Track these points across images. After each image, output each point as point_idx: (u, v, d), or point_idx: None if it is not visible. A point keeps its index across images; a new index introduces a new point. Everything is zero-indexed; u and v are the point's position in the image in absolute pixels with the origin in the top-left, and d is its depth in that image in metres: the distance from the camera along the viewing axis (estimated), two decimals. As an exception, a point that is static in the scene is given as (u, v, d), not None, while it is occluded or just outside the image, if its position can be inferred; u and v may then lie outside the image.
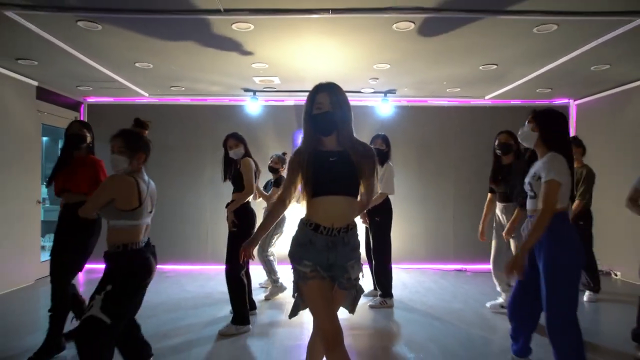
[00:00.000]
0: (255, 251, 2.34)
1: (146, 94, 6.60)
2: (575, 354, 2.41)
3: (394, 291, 4.89)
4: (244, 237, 3.79)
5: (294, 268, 2.09)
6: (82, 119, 6.86)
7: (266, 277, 5.52)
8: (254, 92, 6.37)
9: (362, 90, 6.29)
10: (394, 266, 6.55)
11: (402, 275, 6.23)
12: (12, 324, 4.07)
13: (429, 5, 3.38)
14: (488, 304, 4.49)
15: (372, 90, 6.32)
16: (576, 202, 4.74)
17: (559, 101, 6.96)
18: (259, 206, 5.03)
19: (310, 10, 3.46)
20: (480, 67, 5.06)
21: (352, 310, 2.19)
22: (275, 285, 5.01)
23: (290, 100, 6.90)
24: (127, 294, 2.38)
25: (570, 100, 6.97)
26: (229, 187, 4.12)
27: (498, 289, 4.43)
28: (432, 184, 6.99)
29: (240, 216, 3.88)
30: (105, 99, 6.83)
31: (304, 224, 2.11)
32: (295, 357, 3.28)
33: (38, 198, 5.88)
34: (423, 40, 4.13)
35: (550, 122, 2.59)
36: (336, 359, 1.99)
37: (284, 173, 5.27)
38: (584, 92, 6.39)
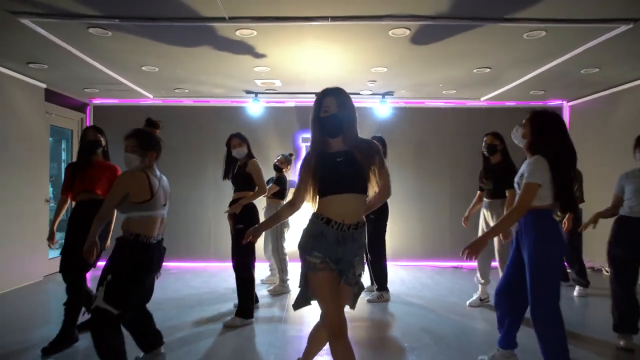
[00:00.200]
0: (262, 240, 2.52)
1: (150, 96, 6.78)
2: (558, 342, 2.57)
3: (391, 287, 5.08)
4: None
5: (303, 259, 2.19)
6: (87, 119, 7.04)
7: (267, 274, 5.72)
8: (256, 94, 6.55)
9: (360, 92, 6.47)
10: (392, 263, 6.75)
11: (399, 272, 6.42)
12: (24, 317, 4.26)
13: (423, 13, 3.56)
14: (467, 303, 4.64)
15: (371, 92, 6.50)
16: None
17: (553, 102, 7.15)
18: (259, 206, 5.20)
19: (311, 18, 3.64)
20: (475, 70, 5.24)
21: (353, 305, 2.31)
22: (282, 284, 5.18)
23: (291, 102, 7.08)
24: (126, 283, 2.52)
25: (563, 102, 7.16)
26: (231, 186, 4.29)
27: (476, 280, 4.59)
28: (429, 183, 7.16)
29: (246, 213, 4.05)
30: (111, 100, 7.01)
31: (315, 217, 2.20)
32: (296, 347, 3.46)
33: (46, 197, 6.06)
34: (417, 44, 4.31)
35: (540, 128, 2.68)
36: (340, 348, 2.13)
37: (287, 173, 5.48)
38: (576, 93, 6.58)
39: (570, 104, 7.11)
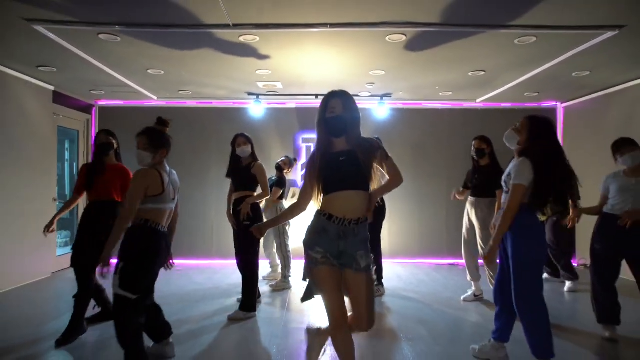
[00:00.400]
0: (261, 242, 2.65)
1: (155, 97, 6.95)
2: (542, 329, 2.75)
3: (388, 283, 5.27)
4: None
5: (306, 254, 2.33)
6: (93, 120, 7.22)
7: (269, 271, 5.89)
8: (258, 95, 6.72)
9: (359, 94, 6.64)
10: (390, 261, 6.95)
11: (397, 269, 6.59)
12: (35, 312, 4.43)
13: (418, 20, 3.74)
14: (462, 298, 4.83)
15: (369, 94, 6.68)
16: (571, 207, 5.16)
17: (547, 104, 7.32)
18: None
19: (311, 25, 3.82)
20: (470, 74, 5.42)
21: (370, 297, 2.31)
22: (283, 280, 5.36)
23: (291, 103, 7.26)
24: (138, 268, 2.68)
25: (557, 103, 7.33)
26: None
27: (468, 278, 4.80)
28: (426, 183, 7.33)
29: (252, 212, 4.23)
30: (116, 102, 7.18)
31: (319, 213, 2.33)
32: (297, 338, 3.64)
33: (54, 196, 6.23)
34: (413, 49, 4.48)
35: (537, 132, 2.84)
36: (340, 338, 2.30)
37: (287, 175, 5.67)
38: (570, 95, 6.75)
39: (564, 105, 7.28)
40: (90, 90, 6.36)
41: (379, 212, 5.03)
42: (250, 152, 4.37)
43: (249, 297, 4.16)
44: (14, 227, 5.32)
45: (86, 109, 7.08)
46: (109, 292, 3.96)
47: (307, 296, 2.42)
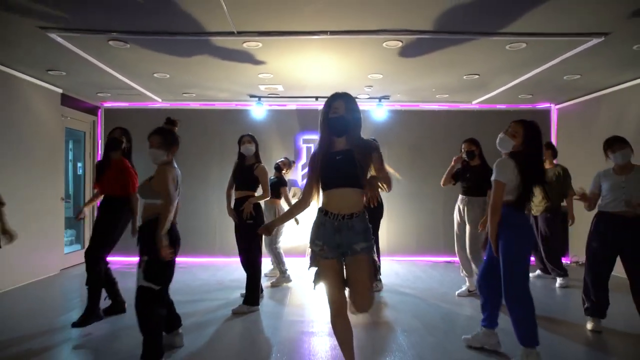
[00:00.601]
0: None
1: (159, 99, 7.14)
2: (528, 320, 2.93)
3: (386, 279, 5.47)
4: (256, 229, 4.40)
5: (310, 247, 2.54)
6: (99, 122, 7.41)
7: (270, 267, 6.09)
8: (259, 97, 6.92)
9: (358, 96, 6.83)
10: (388, 258, 7.15)
11: (395, 266, 6.79)
12: (47, 305, 4.64)
13: (413, 28, 3.93)
14: (456, 293, 5.02)
15: (368, 96, 6.87)
16: (568, 199, 5.38)
17: (541, 105, 7.52)
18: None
19: (312, 32, 4.01)
20: (464, 77, 5.61)
21: (367, 282, 2.43)
22: (283, 276, 5.55)
23: (292, 105, 7.45)
24: (160, 259, 2.86)
25: (551, 105, 7.53)
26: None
27: (462, 274, 4.99)
28: (424, 183, 7.50)
29: (256, 212, 4.44)
30: (121, 103, 7.37)
31: (319, 210, 2.50)
32: (297, 330, 3.83)
33: (62, 195, 6.43)
34: (409, 54, 4.68)
35: (531, 136, 3.03)
36: (339, 323, 2.47)
37: (285, 175, 5.87)
38: (562, 97, 6.95)
39: (557, 106, 7.48)
40: (97, 92, 6.55)
41: (377, 211, 5.23)
42: (254, 151, 4.56)
43: (253, 292, 4.36)
44: (23, 225, 5.47)
45: (92, 110, 7.27)
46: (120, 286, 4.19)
47: (316, 281, 2.58)
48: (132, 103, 7.36)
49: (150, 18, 3.71)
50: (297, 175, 7.46)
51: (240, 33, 4.01)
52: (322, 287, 2.54)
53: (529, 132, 3.04)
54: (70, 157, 7.48)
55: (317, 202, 2.56)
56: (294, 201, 6.85)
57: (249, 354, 3.31)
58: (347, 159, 2.43)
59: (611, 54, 4.61)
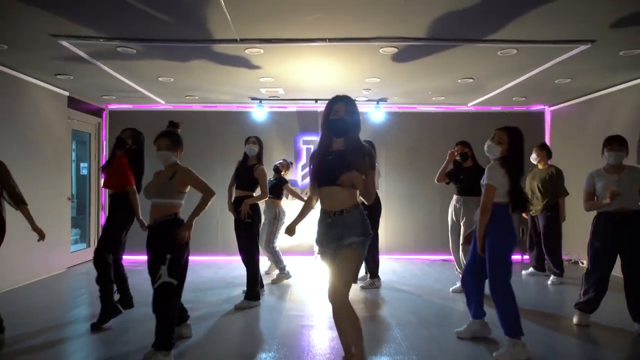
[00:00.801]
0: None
1: (162, 102, 7.33)
2: (510, 308, 3.15)
3: (384, 277, 5.66)
4: (254, 228, 4.59)
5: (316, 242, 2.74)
6: (104, 123, 7.60)
7: (268, 265, 6.27)
8: (260, 100, 7.10)
9: (356, 99, 7.00)
10: (386, 256, 7.34)
11: (392, 265, 6.98)
12: (55, 301, 4.83)
13: (407, 35, 4.12)
14: (450, 289, 5.22)
15: (366, 99, 7.06)
16: (560, 199, 5.56)
17: (535, 107, 7.71)
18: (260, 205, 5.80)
19: (311, 40, 4.20)
20: (459, 81, 5.80)
21: (340, 274, 2.52)
22: (282, 273, 5.75)
23: (292, 107, 7.63)
24: (181, 257, 3.13)
25: (545, 107, 7.71)
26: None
27: (456, 272, 5.19)
28: (421, 183, 7.67)
29: (253, 211, 4.63)
30: (125, 105, 7.56)
31: (320, 207, 2.69)
32: (297, 324, 4.02)
33: (68, 195, 6.61)
34: (405, 59, 4.86)
35: (516, 142, 3.26)
36: (335, 310, 2.58)
37: (284, 176, 6.06)
38: (556, 99, 7.13)
39: (551, 108, 7.66)
40: (102, 95, 6.74)
41: (375, 210, 5.41)
42: (257, 152, 4.75)
43: (253, 288, 4.55)
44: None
45: (97, 112, 7.46)
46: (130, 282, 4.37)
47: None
48: (136, 105, 7.55)
49: (159, 27, 3.89)
50: (297, 175, 7.65)
51: (242, 40, 4.20)
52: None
53: (514, 138, 3.26)
54: (74, 157, 7.67)
55: (315, 199, 2.74)
56: (293, 200, 7.05)
57: (251, 345, 3.50)
58: (338, 159, 2.56)
59: (599, 60, 4.80)
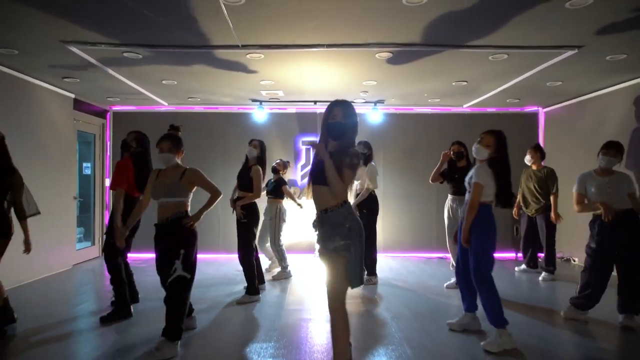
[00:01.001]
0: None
1: (165, 103, 7.51)
2: (495, 303, 3.36)
3: (381, 273, 5.84)
4: (250, 228, 4.76)
5: None
6: (108, 124, 7.78)
7: (269, 263, 6.46)
8: (261, 102, 7.29)
9: (354, 101, 7.19)
10: (383, 254, 7.52)
11: (390, 262, 7.16)
12: (63, 296, 5.03)
13: (401, 41, 4.30)
14: (445, 285, 5.41)
15: (363, 101, 7.24)
16: (552, 197, 5.74)
17: (529, 109, 7.89)
18: (261, 206, 5.97)
19: (310, 45, 4.39)
20: (453, 83, 5.98)
21: (328, 280, 2.62)
22: (284, 271, 5.94)
23: (292, 109, 7.82)
24: (193, 252, 3.33)
25: (539, 108, 7.90)
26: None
27: (452, 268, 5.38)
28: (418, 183, 7.85)
29: (249, 212, 4.81)
30: (129, 107, 7.74)
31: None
32: (297, 317, 4.20)
33: (74, 194, 6.79)
34: (400, 64, 5.05)
35: (502, 145, 3.48)
36: (329, 311, 2.73)
37: (283, 176, 6.25)
38: (549, 101, 7.32)
39: (545, 110, 7.84)
40: (107, 97, 6.92)
41: (373, 209, 5.60)
42: (256, 155, 4.91)
43: (251, 283, 4.74)
44: (39, 222, 5.81)
45: (101, 114, 7.64)
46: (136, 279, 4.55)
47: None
48: (139, 107, 7.73)
49: (164, 33, 4.07)
50: (297, 175, 7.83)
51: (244, 46, 4.38)
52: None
53: (499, 141, 3.47)
54: (77, 157, 7.84)
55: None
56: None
57: (253, 336, 3.69)
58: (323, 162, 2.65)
59: (587, 64, 4.99)
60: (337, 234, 2.60)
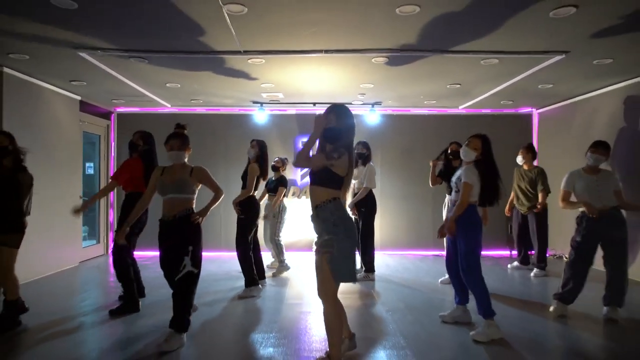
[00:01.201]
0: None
1: (168, 105, 7.71)
2: (483, 295, 3.57)
3: (378, 270, 6.05)
4: (248, 225, 4.95)
5: None
6: (112, 126, 7.98)
7: (272, 260, 6.67)
8: (261, 103, 7.49)
9: (352, 102, 7.40)
10: (381, 252, 7.72)
11: (387, 259, 7.36)
12: (72, 292, 5.23)
13: (396, 47, 4.50)
14: (439, 280, 5.62)
15: (361, 102, 7.44)
16: (540, 195, 5.94)
17: (524, 110, 8.09)
18: (262, 203, 6.19)
19: (309, 51, 4.59)
20: (447, 86, 6.19)
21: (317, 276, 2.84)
22: (281, 265, 6.15)
23: (292, 110, 8.02)
24: (200, 248, 3.52)
25: (533, 109, 8.09)
26: (239, 184, 5.21)
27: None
28: (415, 183, 8.05)
29: (246, 208, 5.00)
30: (133, 108, 7.94)
31: None
32: (297, 310, 4.40)
33: (80, 194, 6.99)
34: (396, 68, 5.26)
35: (488, 148, 3.70)
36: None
37: (284, 173, 6.45)
38: (542, 102, 7.51)
39: (539, 111, 8.04)
40: (112, 99, 7.12)
41: (371, 208, 5.79)
42: (254, 154, 5.10)
43: (248, 276, 4.94)
44: (46, 221, 6.04)
45: (106, 115, 7.84)
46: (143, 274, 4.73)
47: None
48: (143, 108, 7.93)
49: (170, 40, 4.27)
50: (297, 175, 8.03)
51: (246, 52, 4.59)
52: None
53: (486, 144, 3.69)
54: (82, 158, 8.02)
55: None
56: (293, 199, 7.47)
57: (254, 327, 3.88)
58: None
59: (575, 68, 5.19)
60: (324, 229, 2.79)
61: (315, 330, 3.84)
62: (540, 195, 5.98)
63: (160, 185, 3.56)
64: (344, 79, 5.79)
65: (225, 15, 3.65)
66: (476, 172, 3.63)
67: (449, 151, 5.42)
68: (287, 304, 4.63)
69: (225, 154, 7.97)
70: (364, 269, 5.82)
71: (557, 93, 6.61)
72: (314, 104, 7.46)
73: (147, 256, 6.87)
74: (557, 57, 4.71)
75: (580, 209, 4.15)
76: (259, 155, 5.16)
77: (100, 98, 7.06)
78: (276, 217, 6.15)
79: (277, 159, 6.48)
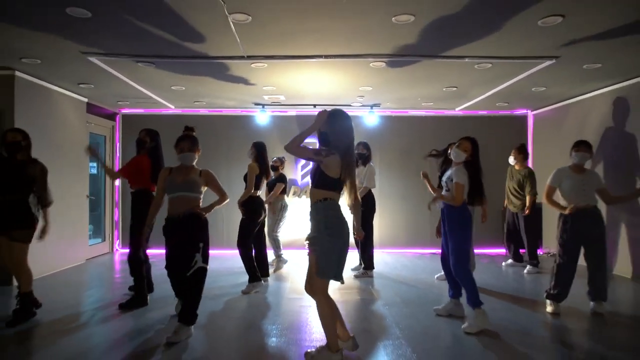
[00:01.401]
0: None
1: (172, 106, 7.90)
2: (471, 287, 3.77)
3: (377, 267, 6.24)
4: (250, 224, 5.13)
5: None
6: (117, 127, 8.17)
7: (272, 258, 6.86)
8: (263, 105, 7.68)
9: (351, 104, 7.60)
10: (380, 250, 7.91)
11: (385, 257, 7.56)
12: (80, 287, 5.44)
13: (393, 52, 4.70)
14: (435, 277, 5.83)
15: (360, 104, 7.63)
16: (528, 197, 6.14)
17: (519, 111, 8.28)
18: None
19: (310, 56, 4.79)
20: (444, 89, 6.38)
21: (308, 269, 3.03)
22: (279, 260, 6.37)
23: (292, 111, 8.21)
24: (208, 245, 3.69)
25: (528, 111, 8.29)
26: (241, 184, 5.41)
27: None
28: (412, 183, 8.20)
29: (249, 207, 5.19)
30: (137, 110, 8.13)
31: None
32: (297, 304, 4.60)
33: (86, 193, 7.19)
34: (393, 72, 5.46)
35: (477, 150, 3.94)
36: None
37: (283, 172, 6.66)
38: (536, 104, 7.71)
39: (533, 112, 8.24)
40: (117, 101, 7.32)
41: (370, 207, 5.98)
42: (251, 155, 5.30)
43: (252, 273, 5.15)
44: (54, 219, 6.10)
45: (112, 116, 8.03)
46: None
47: None
48: (147, 110, 8.12)
49: (177, 46, 4.46)
50: (297, 175, 8.23)
51: (249, 57, 4.79)
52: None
53: (474, 146, 3.91)
54: (88, 158, 8.19)
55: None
56: (294, 198, 7.66)
57: (257, 319, 4.08)
58: (315, 166, 3.05)
59: (566, 72, 5.39)
60: (312, 226, 3.01)
61: (315, 322, 4.03)
62: (527, 199, 6.18)
63: (170, 184, 3.68)
64: (344, 82, 5.98)
65: (231, 23, 3.84)
66: (466, 172, 3.84)
67: (449, 151, 5.58)
68: (288, 299, 4.83)
69: (227, 155, 8.16)
70: (362, 266, 6.02)
71: (550, 95, 6.81)
72: (315, 105, 7.65)
73: (151, 254, 7.05)
74: (548, 62, 4.91)
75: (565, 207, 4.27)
76: (256, 156, 5.34)
77: (106, 100, 7.26)
78: (276, 214, 6.37)
79: (275, 158, 6.68)
